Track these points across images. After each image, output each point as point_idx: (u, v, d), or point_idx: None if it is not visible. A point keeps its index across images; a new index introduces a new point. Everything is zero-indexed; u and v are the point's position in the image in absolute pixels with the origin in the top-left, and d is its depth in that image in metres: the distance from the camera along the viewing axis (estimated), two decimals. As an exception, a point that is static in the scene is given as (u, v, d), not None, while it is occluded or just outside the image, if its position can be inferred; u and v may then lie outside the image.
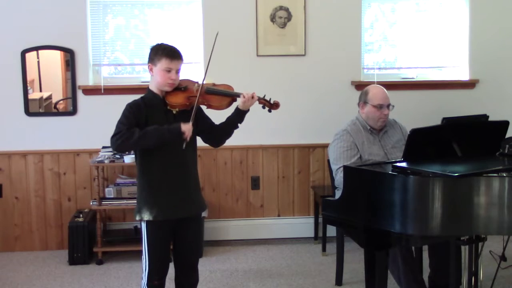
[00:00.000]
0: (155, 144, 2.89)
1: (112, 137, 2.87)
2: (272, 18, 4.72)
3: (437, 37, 4.95)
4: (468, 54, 4.93)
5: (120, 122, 2.90)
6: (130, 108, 2.93)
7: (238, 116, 3.05)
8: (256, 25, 4.71)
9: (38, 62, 4.76)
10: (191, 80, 3.09)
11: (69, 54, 4.63)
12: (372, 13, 4.92)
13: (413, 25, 4.93)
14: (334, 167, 3.73)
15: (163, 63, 2.92)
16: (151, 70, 2.97)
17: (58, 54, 4.74)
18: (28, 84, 4.64)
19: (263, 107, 3.11)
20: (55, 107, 4.81)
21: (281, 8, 4.71)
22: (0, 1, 4.56)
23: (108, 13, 4.75)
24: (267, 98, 3.10)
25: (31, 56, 4.66)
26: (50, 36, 4.59)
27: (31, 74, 4.70)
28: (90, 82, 4.72)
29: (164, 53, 2.92)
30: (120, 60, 4.85)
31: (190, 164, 3.05)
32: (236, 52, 4.68)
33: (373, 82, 4.60)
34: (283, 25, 4.73)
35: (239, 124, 3.08)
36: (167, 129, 2.87)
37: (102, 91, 4.66)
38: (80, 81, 4.67)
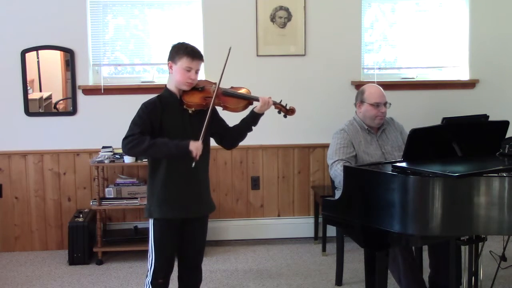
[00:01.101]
0: (163, 157, 2.92)
1: (124, 139, 2.89)
2: (272, 18, 4.72)
3: (437, 37, 4.95)
4: (468, 54, 4.93)
5: (133, 123, 2.91)
6: (146, 108, 2.94)
7: (253, 118, 3.07)
8: (256, 25, 4.71)
9: (38, 62, 4.76)
10: (209, 81, 3.12)
11: (69, 54, 4.63)
12: (372, 13, 4.92)
13: (413, 25, 4.93)
14: (329, 161, 3.75)
15: (183, 62, 2.93)
16: (170, 68, 2.99)
17: (58, 54, 4.74)
18: (28, 84, 4.63)
19: (279, 112, 3.14)
20: (55, 107, 4.81)
21: (281, 8, 4.71)
22: (0, 1, 4.56)
23: (108, 13, 4.75)
24: (283, 103, 3.12)
25: (31, 56, 4.66)
26: (50, 36, 4.59)
27: (31, 74, 4.70)
28: (90, 82, 4.72)
29: (186, 52, 2.94)
30: (120, 60, 4.85)
31: (201, 164, 3.04)
32: (236, 52, 4.64)
33: (373, 82, 4.60)
34: (283, 25, 4.73)
35: (253, 127, 3.11)
36: (175, 145, 2.87)
37: (102, 91, 4.66)
38: (80, 81, 4.67)
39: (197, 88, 3.01)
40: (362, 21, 4.82)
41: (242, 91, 3.09)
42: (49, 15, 4.58)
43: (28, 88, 4.64)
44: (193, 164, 2.86)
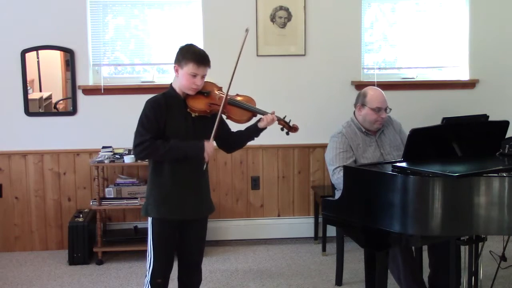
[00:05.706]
0: (178, 160, 2.91)
1: (136, 147, 2.88)
2: (272, 18, 4.71)
3: (437, 37, 4.95)
4: (468, 54, 4.93)
5: (141, 126, 2.89)
6: (152, 109, 2.90)
7: (256, 132, 3.09)
8: (256, 25, 4.71)
9: (38, 62, 4.76)
10: (215, 84, 3.07)
11: (69, 54, 4.63)
12: (372, 13, 4.92)
13: (413, 25, 4.93)
14: (330, 167, 3.73)
15: (190, 68, 2.89)
16: (176, 71, 2.95)
17: (58, 54, 4.74)
18: (28, 84, 4.64)
19: (282, 129, 3.14)
20: (55, 107, 4.81)
21: (281, 8, 4.71)
22: (0, 1, 4.56)
23: (108, 13, 4.75)
24: (286, 119, 3.13)
25: (31, 56, 4.66)
26: (50, 36, 4.59)
27: (31, 74, 4.70)
28: (90, 82, 4.72)
29: (193, 57, 2.90)
30: (120, 60, 4.85)
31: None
32: (236, 52, 4.66)
33: (373, 82, 4.61)
34: (283, 25, 4.73)
35: (255, 138, 3.12)
36: (191, 148, 2.89)
37: (102, 91, 4.66)
38: (80, 81, 4.67)
39: (203, 92, 2.97)
40: (362, 21, 4.82)
41: (244, 100, 3.05)
42: (49, 15, 4.58)
43: (28, 88, 4.64)
44: (204, 167, 2.90)
